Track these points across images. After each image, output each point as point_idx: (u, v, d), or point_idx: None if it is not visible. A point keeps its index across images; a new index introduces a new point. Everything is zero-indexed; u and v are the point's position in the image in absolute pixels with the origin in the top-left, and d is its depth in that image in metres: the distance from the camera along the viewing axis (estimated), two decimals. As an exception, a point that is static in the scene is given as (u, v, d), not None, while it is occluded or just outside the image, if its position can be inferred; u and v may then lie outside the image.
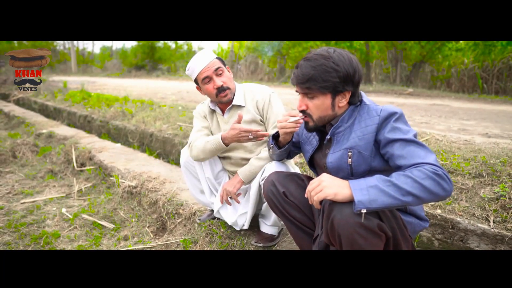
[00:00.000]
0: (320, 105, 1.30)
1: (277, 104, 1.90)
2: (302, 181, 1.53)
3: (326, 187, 1.12)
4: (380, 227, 1.13)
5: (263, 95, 1.91)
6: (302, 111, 1.34)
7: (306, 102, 1.32)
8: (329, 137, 1.36)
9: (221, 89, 1.83)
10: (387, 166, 1.27)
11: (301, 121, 1.39)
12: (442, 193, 1.08)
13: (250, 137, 1.67)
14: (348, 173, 1.31)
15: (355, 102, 1.34)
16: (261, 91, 1.93)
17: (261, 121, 1.91)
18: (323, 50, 1.29)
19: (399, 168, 1.18)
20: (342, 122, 1.33)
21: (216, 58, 1.86)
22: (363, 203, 1.06)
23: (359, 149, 1.28)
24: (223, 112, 1.97)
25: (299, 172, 1.85)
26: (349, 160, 1.29)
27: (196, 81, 1.88)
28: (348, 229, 1.10)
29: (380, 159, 1.28)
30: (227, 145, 1.78)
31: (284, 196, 1.49)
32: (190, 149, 1.93)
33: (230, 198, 1.88)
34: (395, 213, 1.21)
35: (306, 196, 1.20)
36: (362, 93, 1.37)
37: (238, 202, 1.89)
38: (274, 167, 1.69)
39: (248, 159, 1.95)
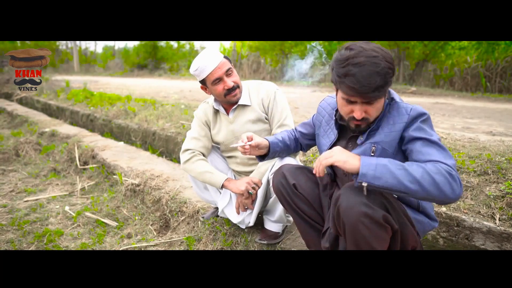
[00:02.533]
0: (379, 107, 1.23)
1: (282, 101, 1.88)
2: (312, 175, 1.52)
3: (337, 154, 1.13)
4: (386, 218, 1.12)
5: (268, 92, 1.89)
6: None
7: (365, 109, 1.21)
8: (363, 140, 1.29)
9: (231, 89, 1.81)
10: None
11: (247, 147, 1.49)
12: (450, 193, 1.06)
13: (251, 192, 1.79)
14: None
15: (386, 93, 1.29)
16: (266, 88, 1.91)
17: (267, 119, 1.90)
18: (371, 50, 1.15)
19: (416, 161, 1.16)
20: (379, 122, 1.27)
21: (224, 57, 1.82)
22: (366, 176, 1.06)
23: (384, 146, 1.25)
24: (227, 112, 1.94)
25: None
26: (372, 154, 1.26)
27: (203, 81, 1.83)
28: (352, 217, 1.10)
29: (401, 156, 1.26)
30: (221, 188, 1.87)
31: (294, 189, 1.48)
32: (185, 159, 1.91)
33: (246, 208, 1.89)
34: (403, 208, 1.20)
35: (315, 165, 1.19)
36: (392, 90, 1.33)
37: (252, 209, 1.88)
38: (284, 160, 1.69)
39: (254, 158, 1.94)
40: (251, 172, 1.97)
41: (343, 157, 1.12)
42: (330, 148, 1.43)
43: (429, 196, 1.08)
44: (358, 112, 1.21)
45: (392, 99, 1.31)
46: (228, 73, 1.80)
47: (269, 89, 1.90)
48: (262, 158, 1.65)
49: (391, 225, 1.14)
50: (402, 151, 1.26)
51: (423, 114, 1.22)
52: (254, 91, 1.92)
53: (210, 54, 1.77)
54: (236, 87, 1.82)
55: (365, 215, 1.09)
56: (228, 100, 1.85)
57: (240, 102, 1.88)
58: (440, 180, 1.05)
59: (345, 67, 1.15)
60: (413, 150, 1.19)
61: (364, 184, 1.06)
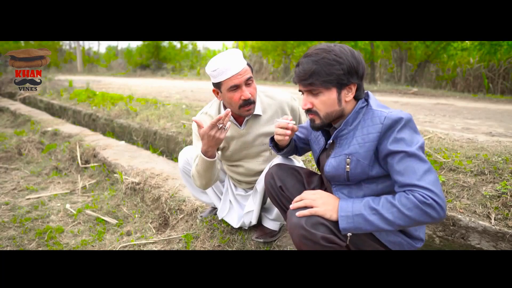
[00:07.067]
0: (326, 101, 1.23)
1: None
2: (301, 176, 1.54)
3: (318, 204, 1.22)
4: (327, 239, 1.17)
5: (295, 107, 1.83)
6: (308, 110, 1.28)
7: (311, 100, 1.26)
8: (331, 141, 1.32)
9: (247, 102, 1.62)
10: (385, 173, 1.23)
11: (290, 125, 1.42)
12: (429, 220, 1.10)
13: (220, 127, 1.52)
14: (344, 179, 1.28)
15: (361, 96, 1.29)
16: (295, 105, 1.84)
17: None
18: (323, 45, 1.23)
19: (395, 182, 1.18)
20: (346, 125, 1.27)
21: (247, 64, 1.64)
22: (347, 230, 1.17)
23: (358, 157, 1.23)
24: (238, 122, 1.78)
25: (303, 166, 1.79)
26: (347, 166, 1.25)
27: (218, 84, 1.62)
28: (295, 237, 1.20)
29: (378, 167, 1.23)
30: (212, 157, 1.63)
31: (281, 190, 1.52)
32: (193, 180, 1.79)
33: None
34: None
35: (297, 199, 1.27)
36: (370, 94, 1.31)
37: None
38: (279, 159, 1.69)
39: (258, 171, 1.85)
40: (252, 181, 1.90)
41: (322, 209, 1.20)
42: (321, 152, 1.44)
43: (408, 227, 1.15)
44: (303, 101, 1.28)
45: (368, 104, 1.27)
46: (248, 82, 1.62)
47: (294, 105, 1.83)
48: (279, 150, 1.61)
49: (336, 244, 1.19)
50: (379, 162, 1.22)
51: (399, 120, 1.16)
52: (271, 105, 1.79)
53: (234, 57, 1.59)
54: (253, 101, 1.65)
55: (304, 237, 1.17)
56: (241, 113, 1.68)
57: (255, 112, 1.73)
58: (415, 214, 1.09)
59: (300, 58, 1.26)
60: (392, 167, 1.17)
61: (349, 235, 1.18)
